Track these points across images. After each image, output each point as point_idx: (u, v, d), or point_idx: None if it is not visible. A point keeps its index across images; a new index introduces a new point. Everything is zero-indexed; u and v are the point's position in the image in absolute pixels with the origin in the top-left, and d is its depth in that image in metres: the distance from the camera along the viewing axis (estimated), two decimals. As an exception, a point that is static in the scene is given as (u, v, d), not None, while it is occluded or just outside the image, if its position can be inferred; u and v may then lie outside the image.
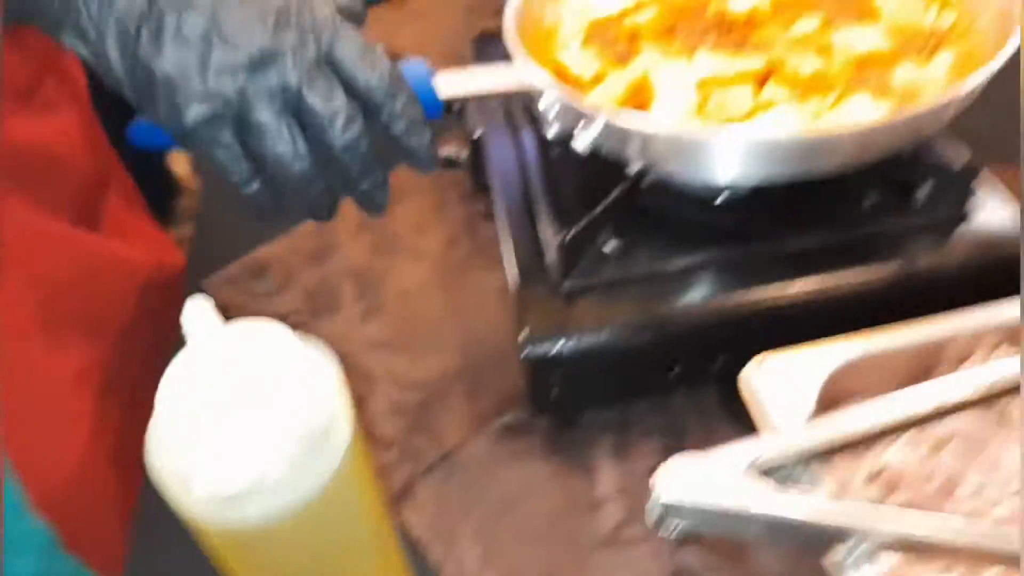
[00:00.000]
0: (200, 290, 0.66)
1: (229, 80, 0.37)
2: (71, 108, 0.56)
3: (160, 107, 0.37)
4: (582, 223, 0.47)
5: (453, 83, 0.47)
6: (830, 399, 0.37)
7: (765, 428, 0.36)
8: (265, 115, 0.37)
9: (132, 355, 0.68)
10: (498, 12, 0.95)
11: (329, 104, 0.38)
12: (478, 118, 0.63)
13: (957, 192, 0.47)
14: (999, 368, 0.35)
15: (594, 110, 0.45)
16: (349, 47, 0.39)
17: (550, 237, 0.49)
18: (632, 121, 0.44)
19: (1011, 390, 0.35)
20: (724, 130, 0.45)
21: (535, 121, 0.57)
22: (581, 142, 0.47)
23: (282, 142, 0.38)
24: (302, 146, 0.39)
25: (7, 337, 0.46)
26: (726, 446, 0.32)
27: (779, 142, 0.43)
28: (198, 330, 0.30)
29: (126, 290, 0.67)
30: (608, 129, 0.45)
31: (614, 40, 0.59)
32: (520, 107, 0.63)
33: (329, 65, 0.39)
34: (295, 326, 0.63)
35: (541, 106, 0.49)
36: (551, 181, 0.53)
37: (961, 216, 0.47)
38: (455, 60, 0.89)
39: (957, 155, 0.49)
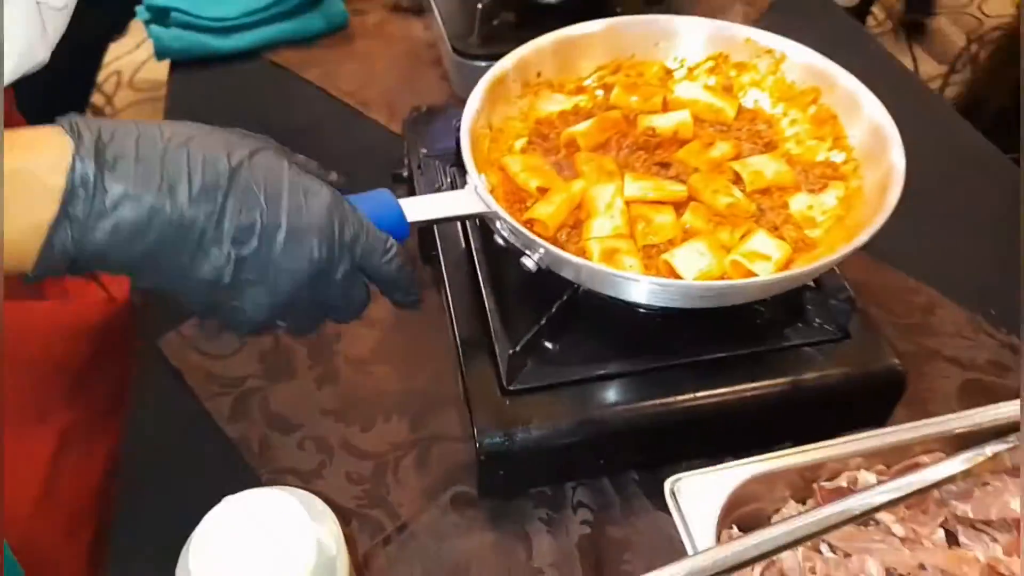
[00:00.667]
0: (156, 348, 0.69)
1: (290, 292, 0.45)
2: None
3: (227, 319, 0.46)
4: (528, 335, 0.54)
5: (419, 209, 0.52)
6: (731, 507, 0.46)
7: (683, 531, 0.45)
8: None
9: (87, 403, 0.71)
10: (436, 62, 1.01)
11: (356, 299, 0.50)
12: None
13: (839, 314, 0.56)
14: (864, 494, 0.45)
15: (539, 240, 0.52)
16: (374, 256, 0.48)
17: (500, 345, 0.55)
18: (567, 256, 0.51)
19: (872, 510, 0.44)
20: (637, 276, 0.52)
21: (483, 224, 0.63)
22: (528, 262, 0.54)
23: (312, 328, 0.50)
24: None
25: None
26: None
27: (687, 288, 0.52)
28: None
29: (75, 340, 0.70)
30: (549, 254, 0.52)
31: (555, 148, 0.66)
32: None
33: (359, 269, 0.48)
34: (253, 391, 0.68)
35: (497, 225, 0.55)
36: (497, 284, 0.60)
37: (843, 335, 0.56)
38: (391, 99, 0.94)
39: (839, 285, 0.59)
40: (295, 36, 1.03)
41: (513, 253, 0.55)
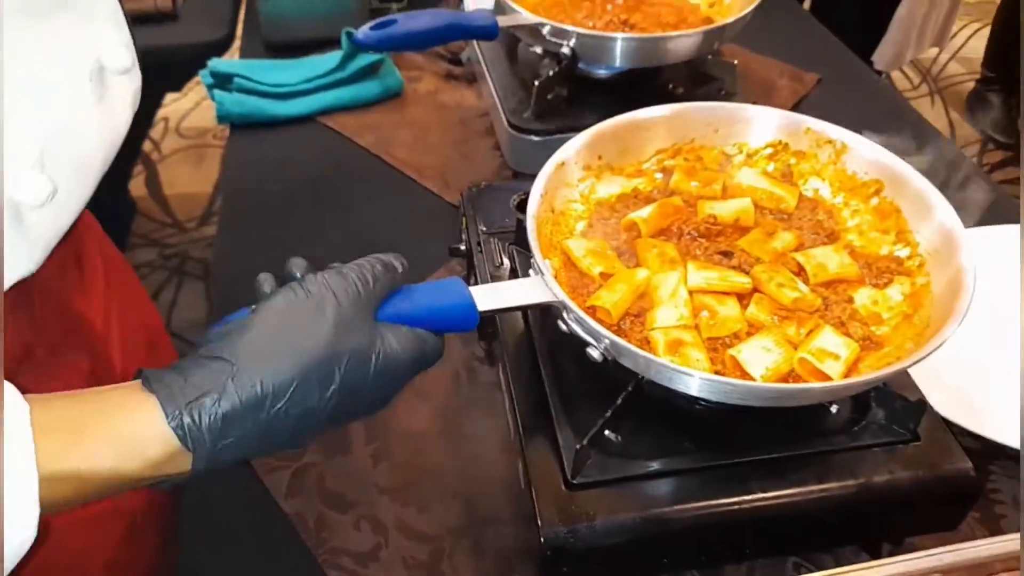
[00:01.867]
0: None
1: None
2: None
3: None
4: (593, 431, 0.54)
5: (488, 298, 0.53)
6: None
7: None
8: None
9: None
10: (488, 131, 1.02)
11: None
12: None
13: (909, 415, 0.56)
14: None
15: (605, 332, 0.52)
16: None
17: (564, 436, 0.55)
18: (634, 350, 0.51)
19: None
20: (706, 375, 0.52)
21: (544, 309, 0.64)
22: (594, 352, 0.54)
23: None
24: None
25: None
26: None
27: (756, 389, 0.52)
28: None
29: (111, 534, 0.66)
30: (616, 346, 0.52)
31: (614, 232, 0.66)
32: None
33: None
34: (309, 467, 0.68)
35: (564, 314, 0.55)
36: (558, 372, 0.60)
37: (913, 437, 0.56)
38: (444, 168, 0.95)
39: (908, 384, 0.58)
40: (351, 103, 1.05)
41: (575, 341, 0.55)
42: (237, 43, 1.28)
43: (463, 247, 0.76)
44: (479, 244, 0.72)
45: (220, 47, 1.25)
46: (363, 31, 0.78)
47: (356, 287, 0.45)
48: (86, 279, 0.66)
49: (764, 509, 0.54)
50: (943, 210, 0.58)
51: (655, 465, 0.55)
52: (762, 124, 0.70)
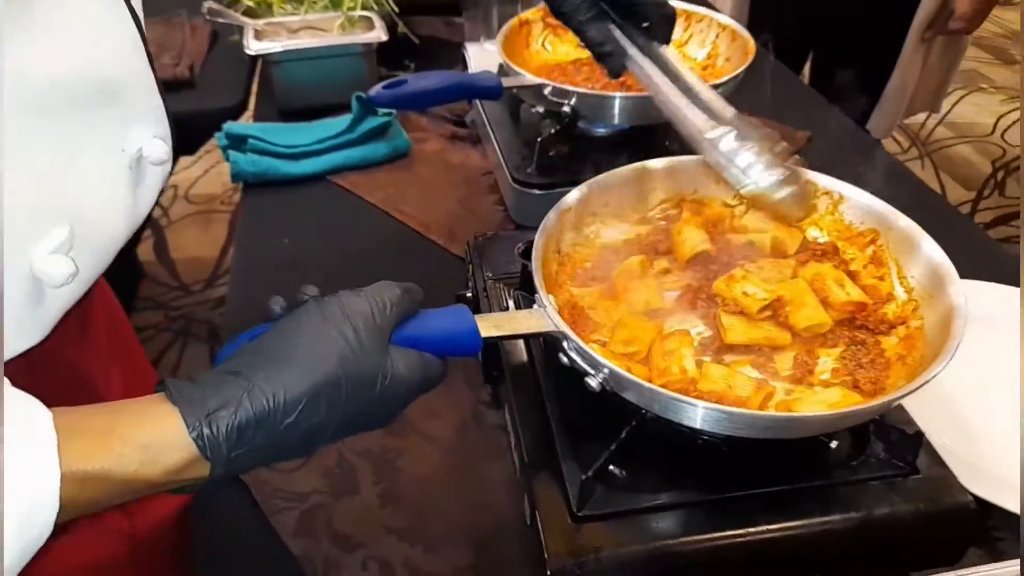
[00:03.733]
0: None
1: None
2: None
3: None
4: (597, 464, 0.55)
5: (491, 325, 0.55)
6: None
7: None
8: None
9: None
10: (491, 188, 1.06)
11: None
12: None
13: (907, 448, 0.57)
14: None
15: (603, 361, 0.54)
16: None
17: (569, 469, 0.56)
18: (631, 378, 0.53)
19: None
20: (700, 403, 0.53)
21: (547, 346, 0.66)
22: (592, 382, 0.56)
23: None
24: None
25: None
26: None
27: (752, 417, 0.53)
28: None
29: None
30: (614, 375, 0.54)
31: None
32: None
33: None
34: (318, 508, 0.68)
35: (564, 344, 0.57)
36: (563, 407, 0.61)
37: (911, 471, 0.57)
38: (451, 223, 0.98)
39: (905, 419, 0.60)
40: (361, 162, 1.10)
41: (578, 374, 0.57)
42: (250, 109, 1.33)
43: (469, 294, 0.78)
44: (485, 290, 0.74)
45: (235, 112, 1.30)
46: (376, 90, 0.83)
47: (371, 311, 0.48)
48: (90, 338, 0.68)
49: (769, 542, 0.54)
50: (929, 245, 0.61)
51: (661, 498, 0.56)
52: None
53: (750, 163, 0.66)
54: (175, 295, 2.15)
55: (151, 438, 0.41)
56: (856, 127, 1.26)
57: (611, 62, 0.75)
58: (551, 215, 0.66)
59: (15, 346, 0.49)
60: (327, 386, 0.45)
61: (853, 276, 0.67)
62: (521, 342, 0.69)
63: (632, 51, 0.75)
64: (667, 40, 0.77)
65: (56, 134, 0.49)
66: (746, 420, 0.53)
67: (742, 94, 1.01)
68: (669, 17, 0.77)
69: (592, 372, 0.55)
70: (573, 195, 0.69)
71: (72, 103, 0.49)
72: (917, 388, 0.52)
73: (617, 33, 0.75)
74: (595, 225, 0.71)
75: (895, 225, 0.65)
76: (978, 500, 0.56)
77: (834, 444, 0.59)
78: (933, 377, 0.52)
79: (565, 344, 0.57)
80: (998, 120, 2.91)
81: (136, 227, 0.59)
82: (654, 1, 0.75)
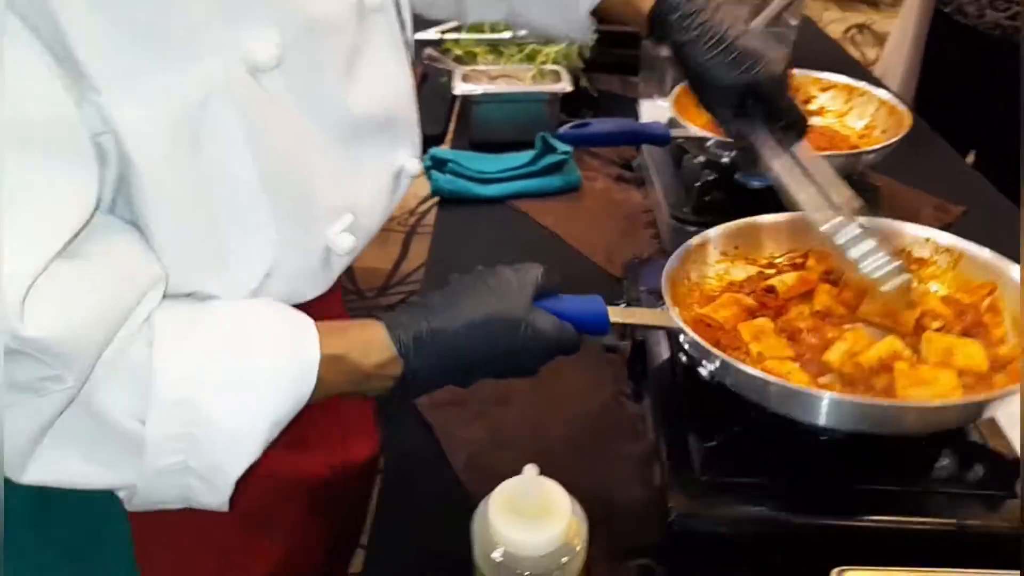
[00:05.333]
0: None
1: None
2: None
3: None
4: (718, 438, 0.68)
5: (619, 314, 0.69)
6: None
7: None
8: None
9: (310, 549, 0.86)
10: (650, 224, 1.20)
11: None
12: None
13: (1005, 474, 0.65)
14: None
15: (715, 351, 0.66)
16: None
17: (695, 443, 0.69)
18: (739, 366, 0.65)
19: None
20: (815, 390, 0.64)
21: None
22: (703, 371, 0.68)
23: None
24: None
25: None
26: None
27: (858, 404, 0.63)
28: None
29: (295, 496, 0.83)
30: (724, 365, 0.66)
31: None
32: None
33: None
34: (478, 455, 0.84)
35: (680, 338, 0.70)
36: (696, 395, 0.74)
37: (1009, 495, 0.64)
38: (610, 248, 1.13)
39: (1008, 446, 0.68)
40: (538, 191, 1.28)
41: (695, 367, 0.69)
42: (448, 138, 1.56)
43: (623, 305, 0.92)
44: (638, 299, 0.89)
45: (437, 140, 1.52)
46: (564, 129, 1.00)
47: (522, 278, 0.64)
48: (337, 302, 0.89)
49: (866, 530, 0.64)
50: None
51: (765, 479, 0.67)
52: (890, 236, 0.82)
53: (864, 253, 0.73)
54: (351, 298, 2.43)
55: (368, 337, 0.60)
56: (1012, 204, 1.28)
57: (747, 157, 0.86)
58: (684, 246, 0.79)
59: (311, 294, 0.69)
60: (483, 319, 0.61)
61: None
62: (664, 347, 0.82)
63: (765, 148, 0.82)
64: (801, 137, 0.85)
65: (352, 151, 0.68)
66: (859, 410, 0.63)
67: (902, 164, 1.09)
68: (804, 119, 0.85)
69: (704, 363, 0.68)
70: (705, 234, 0.82)
71: (368, 130, 0.69)
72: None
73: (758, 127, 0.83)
74: (725, 264, 0.84)
75: (1008, 276, 0.73)
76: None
77: (944, 462, 0.67)
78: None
79: (681, 337, 0.70)
80: None
81: (384, 222, 0.79)
82: (794, 106, 0.84)
